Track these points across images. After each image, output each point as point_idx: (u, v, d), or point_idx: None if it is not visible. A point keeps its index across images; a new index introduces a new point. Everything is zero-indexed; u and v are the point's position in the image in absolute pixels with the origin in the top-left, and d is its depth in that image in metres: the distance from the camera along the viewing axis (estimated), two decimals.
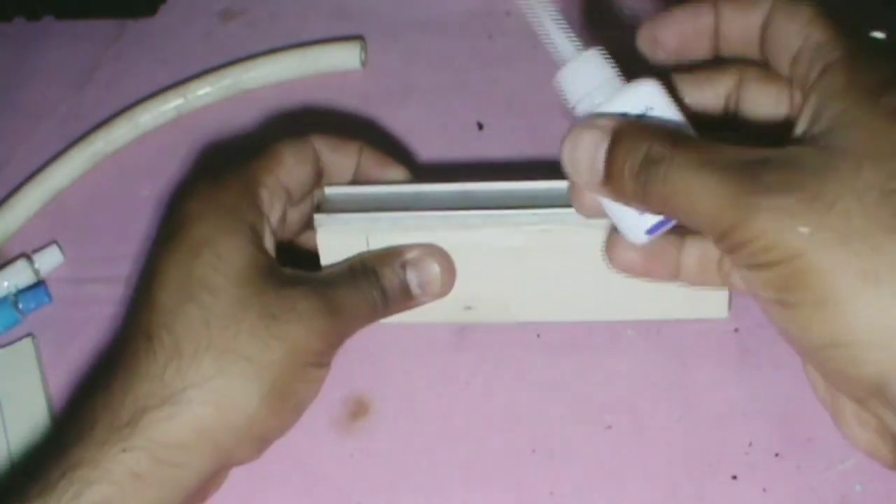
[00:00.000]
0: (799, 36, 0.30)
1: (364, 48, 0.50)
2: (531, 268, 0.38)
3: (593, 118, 0.31)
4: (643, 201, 0.30)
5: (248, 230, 0.35)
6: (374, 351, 0.40)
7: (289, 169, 0.38)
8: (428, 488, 0.38)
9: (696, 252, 0.34)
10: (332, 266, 0.38)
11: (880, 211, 0.26)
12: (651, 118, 0.31)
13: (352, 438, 0.39)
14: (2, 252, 0.45)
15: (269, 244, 0.37)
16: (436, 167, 0.46)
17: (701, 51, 0.34)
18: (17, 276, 0.43)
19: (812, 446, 0.37)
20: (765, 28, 0.31)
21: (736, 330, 0.40)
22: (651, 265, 0.34)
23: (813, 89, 0.29)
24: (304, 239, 0.41)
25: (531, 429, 0.39)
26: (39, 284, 0.43)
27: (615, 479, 0.37)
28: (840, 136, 0.27)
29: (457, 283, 0.38)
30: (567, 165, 0.32)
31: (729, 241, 0.28)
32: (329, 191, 0.39)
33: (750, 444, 0.38)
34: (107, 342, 0.42)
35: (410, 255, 0.37)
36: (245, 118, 0.49)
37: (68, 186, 0.47)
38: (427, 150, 0.47)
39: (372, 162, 0.40)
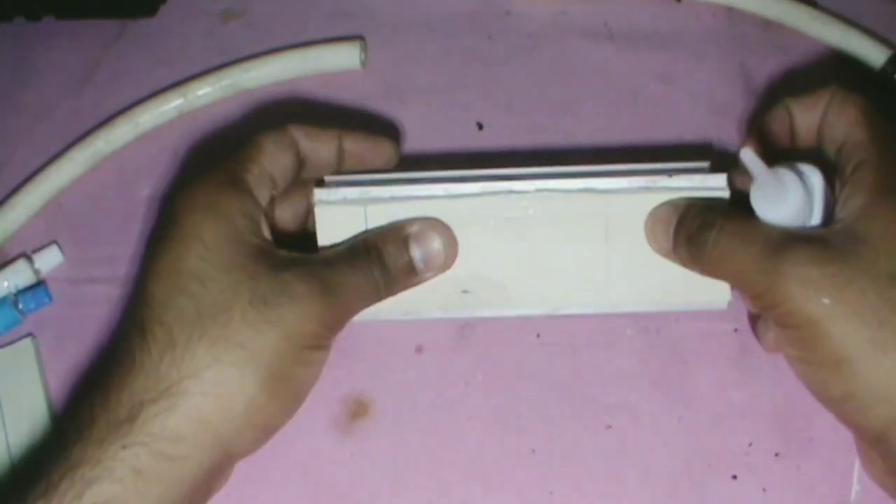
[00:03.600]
0: (844, 133, 0.35)
1: (364, 48, 0.50)
2: (530, 244, 0.38)
3: (670, 200, 0.37)
4: (699, 263, 0.35)
5: (237, 214, 0.35)
6: (374, 351, 0.40)
7: (271, 156, 0.37)
8: (428, 488, 0.38)
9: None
10: (331, 247, 0.38)
11: (891, 293, 0.31)
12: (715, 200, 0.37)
13: (352, 438, 0.39)
14: (2, 252, 0.45)
15: (263, 225, 0.37)
16: (435, 168, 0.46)
17: (786, 144, 0.38)
18: (17, 276, 0.43)
19: (812, 446, 0.37)
20: (821, 123, 0.36)
21: (736, 330, 0.40)
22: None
23: (847, 181, 0.34)
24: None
25: (531, 429, 0.39)
26: (39, 284, 0.43)
27: (615, 479, 0.37)
28: (863, 227, 0.32)
29: (455, 262, 0.38)
30: (648, 235, 0.37)
31: (761, 302, 0.33)
32: (329, 179, 0.39)
33: (750, 444, 0.38)
34: (106, 342, 0.42)
35: (412, 230, 0.37)
36: (245, 118, 0.49)
37: (68, 186, 0.46)
38: (427, 150, 0.47)
39: (355, 143, 0.40)
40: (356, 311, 0.37)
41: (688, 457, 0.38)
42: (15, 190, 0.46)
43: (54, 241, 0.45)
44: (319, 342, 0.35)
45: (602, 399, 0.39)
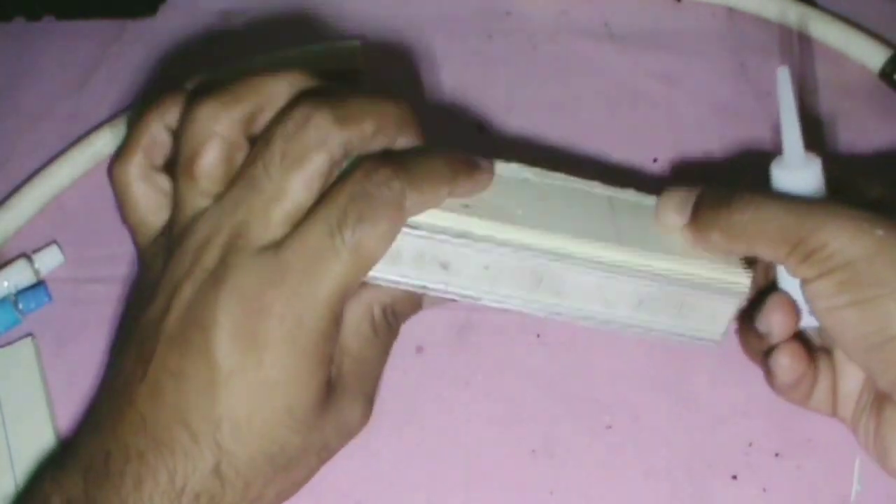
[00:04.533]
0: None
1: (364, 48, 0.50)
2: (538, 195, 0.36)
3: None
4: (723, 229, 0.34)
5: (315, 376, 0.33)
6: None
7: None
8: (428, 488, 0.38)
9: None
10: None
11: None
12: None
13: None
14: (2, 252, 0.45)
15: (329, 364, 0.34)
16: None
17: None
18: (17, 276, 0.43)
19: (812, 446, 0.37)
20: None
21: (736, 330, 0.40)
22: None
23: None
24: None
25: (531, 429, 0.39)
26: (39, 284, 0.43)
27: (615, 479, 0.37)
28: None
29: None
30: (660, 208, 0.36)
31: (802, 250, 0.32)
32: None
33: (750, 444, 0.38)
34: (107, 342, 0.42)
35: None
36: None
37: (68, 186, 0.46)
38: None
39: None
40: None
41: (688, 457, 0.38)
42: (15, 190, 0.46)
43: (54, 241, 0.45)
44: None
45: (602, 399, 0.39)
